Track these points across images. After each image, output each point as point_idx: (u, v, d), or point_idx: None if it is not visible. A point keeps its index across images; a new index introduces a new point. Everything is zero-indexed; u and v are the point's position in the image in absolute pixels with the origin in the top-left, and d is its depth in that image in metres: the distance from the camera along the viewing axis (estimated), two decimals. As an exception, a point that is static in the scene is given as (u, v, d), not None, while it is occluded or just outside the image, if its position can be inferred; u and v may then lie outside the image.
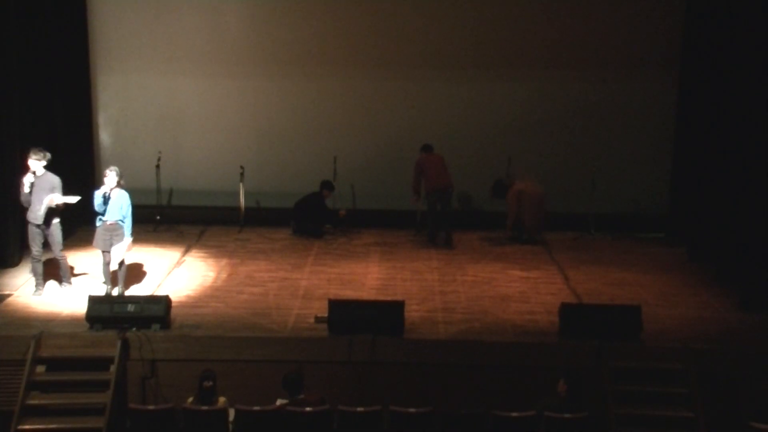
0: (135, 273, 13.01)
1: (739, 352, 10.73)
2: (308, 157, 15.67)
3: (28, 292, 12.20)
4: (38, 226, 11.87)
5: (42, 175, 11.81)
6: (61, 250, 12.14)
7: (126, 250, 11.91)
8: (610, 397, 10.24)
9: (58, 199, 11.78)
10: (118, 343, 10.51)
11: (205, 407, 9.77)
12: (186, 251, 14.19)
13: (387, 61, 15.69)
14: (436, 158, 14.59)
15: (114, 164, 15.68)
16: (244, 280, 12.89)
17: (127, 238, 11.88)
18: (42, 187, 11.77)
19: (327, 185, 15.13)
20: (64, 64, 14.81)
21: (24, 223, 13.38)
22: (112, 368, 10.40)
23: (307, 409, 9.65)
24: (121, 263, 11.96)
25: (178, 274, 13.15)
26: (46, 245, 12.05)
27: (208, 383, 9.86)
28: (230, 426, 9.77)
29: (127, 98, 15.77)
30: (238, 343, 10.79)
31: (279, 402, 9.87)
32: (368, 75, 15.75)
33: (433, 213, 14.64)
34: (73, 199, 11.98)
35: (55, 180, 11.88)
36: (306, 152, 15.71)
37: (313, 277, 13.04)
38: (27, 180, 11.82)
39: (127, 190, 11.97)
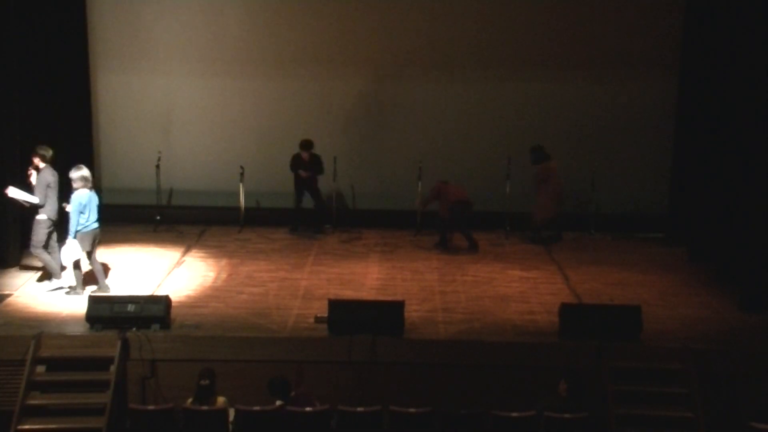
0: (135, 273, 13.02)
1: (739, 352, 10.73)
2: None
3: (28, 292, 12.20)
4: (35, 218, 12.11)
5: (42, 169, 12.00)
6: (35, 247, 12.12)
7: (71, 253, 11.80)
8: (610, 397, 10.24)
9: (13, 192, 11.87)
10: (118, 343, 10.51)
11: (205, 407, 9.77)
12: (186, 251, 14.19)
13: (387, 60, 15.70)
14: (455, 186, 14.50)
15: (114, 164, 15.83)
16: (244, 280, 12.89)
17: (69, 240, 11.79)
18: (39, 182, 11.97)
19: (302, 145, 14.92)
20: (64, 64, 14.80)
21: (24, 222, 13.45)
22: (112, 368, 10.39)
23: (307, 409, 9.65)
24: (77, 263, 11.92)
25: (178, 274, 13.14)
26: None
27: (205, 381, 9.84)
28: (230, 426, 9.77)
29: (127, 98, 15.76)
30: (238, 343, 10.78)
31: (279, 403, 9.88)
32: (368, 75, 15.76)
33: (454, 222, 14.42)
34: (28, 198, 12.02)
35: (47, 177, 12.01)
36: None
37: (313, 277, 13.04)
38: (32, 176, 12.09)
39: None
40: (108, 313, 10.82)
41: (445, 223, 14.46)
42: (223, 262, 13.71)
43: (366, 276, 13.19)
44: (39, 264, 12.66)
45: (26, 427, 10.07)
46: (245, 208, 15.45)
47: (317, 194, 15.23)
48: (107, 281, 12.22)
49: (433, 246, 14.57)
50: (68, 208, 11.75)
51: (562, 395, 9.91)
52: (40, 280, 12.52)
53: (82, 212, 11.71)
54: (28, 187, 12.18)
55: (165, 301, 11.02)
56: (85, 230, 11.80)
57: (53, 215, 12.15)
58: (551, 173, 14.74)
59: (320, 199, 15.26)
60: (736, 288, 12.43)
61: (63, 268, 12.18)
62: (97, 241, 12.11)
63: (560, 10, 15.50)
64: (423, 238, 15.07)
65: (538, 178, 14.83)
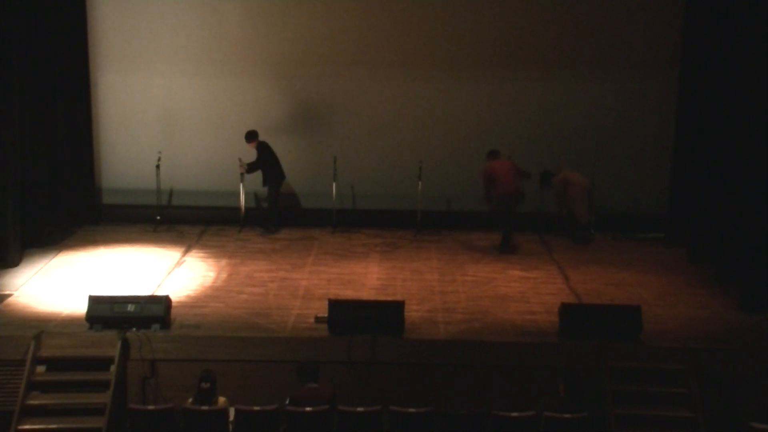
0: (135, 273, 13.02)
1: (739, 352, 10.73)
2: (308, 157, 15.66)
3: (28, 292, 12.20)
4: None
5: None
6: None
7: None
8: (610, 397, 10.24)
9: None
10: (118, 343, 10.51)
11: (205, 407, 9.77)
12: (186, 251, 14.19)
13: (387, 60, 15.67)
14: (505, 163, 14.30)
15: (114, 164, 15.83)
16: (244, 280, 12.89)
17: None
18: None
19: (246, 136, 14.99)
20: (64, 64, 14.80)
21: (24, 223, 13.48)
22: (112, 368, 10.40)
23: (307, 409, 9.65)
24: None
25: (178, 274, 13.14)
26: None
27: (206, 384, 9.84)
28: (230, 426, 9.77)
29: (126, 98, 15.75)
30: (238, 343, 10.78)
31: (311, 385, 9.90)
32: (368, 74, 15.73)
33: (508, 218, 14.35)
34: None
35: None
36: (306, 152, 15.69)
37: (313, 277, 13.04)
38: None
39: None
40: (108, 313, 10.81)
41: (504, 217, 14.30)
42: (223, 262, 13.71)
43: (366, 276, 13.19)
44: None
45: (26, 427, 10.07)
46: (245, 208, 15.45)
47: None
48: None
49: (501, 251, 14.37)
50: None
51: (561, 396, 9.91)
52: None
53: None
54: None
55: (165, 301, 11.02)
56: None
57: None
58: (565, 183, 14.70)
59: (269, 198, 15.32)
60: (736, 288, 12.43)
61: None
62: None
63: (560, 10, 15.49)
64: (423, 238, 15.08)
65: (557, 196, 14.84)
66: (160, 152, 15.35)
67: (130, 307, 10.82)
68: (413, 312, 11.49)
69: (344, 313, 10.91)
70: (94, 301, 10.95)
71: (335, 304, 11.00)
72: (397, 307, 11.01)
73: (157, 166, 15.21)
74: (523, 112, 15.71)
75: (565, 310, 11.05)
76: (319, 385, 9.87)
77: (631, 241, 15.18)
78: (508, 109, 15.73)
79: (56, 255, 13.71)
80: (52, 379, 10.54)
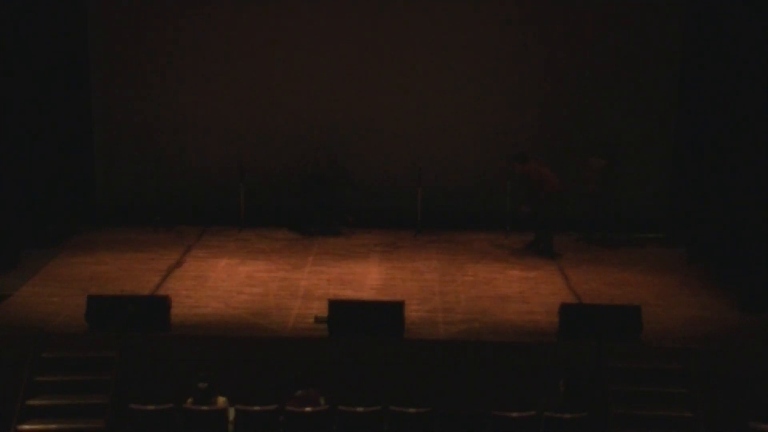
0: (135, 273, 13.01)
1: (739, 352, 10.74)
2: (308, 158, 15.63)
3: (28, 292, 12.20)
4: None
5: None
6: None
7: None
8: (610, 397, 10.24)
9: None
10: (118, 343, 10.51)
11: (205, 407, 9.77)
12: (186, 251, 14.18)
13: (387, 60, 15.69)
14: (545, 166, 14.22)
15: (114, 164, 15.82)
16: (244, 280, 12.89)
17: None
18: None
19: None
20: (65, 65, 14.79)
21: (23, 223, 13.48)
22: (112, 368, 10.40)
23: (307, 409, 9.66)
24: None
25: (178, 274, 13.13)
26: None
27: (203, 385, 9.83)
28: (230, 426, 9.77)
29: (127, 98, 15.75)
30: (238, 343, 10.79)
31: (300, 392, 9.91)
32: (369, 75, 15.74)
33: (549, 221, 14.22)
34: None
35: None
36: (306, 152, 15.67)
37: (313, 277, 13.04)
38: None
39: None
40: (108, 313, 10.81)
41: (543, 221, 14.17)
42: (223, 262, 13.71)
43: (366, 276, 13.19)
44: None
45: (26, 427, 10.07)
46: (245, 208, 15.43)
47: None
48: None
49: (538, 254, 14.22)
50: None
51: (561, 396, 9.91)
52: None
53: None
54: None
55: (165, 301, 11.01)
56: None
57: None
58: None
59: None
60: (736, 288, 12.43)
61: None
62: None
63: (560, 11, 15.50)
64: (423, 238, 15.07)
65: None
66: (160, 153, 15.32)
67: (130, 307, 10.81)
68: (413, 312, 11.49)
69: (344, 313, 10.91)
70: (94, 302, 10.95)
71: (335, 304, 10.99)
72: (397, 307, 11.01)
73: (157, 166, 15.19)
74: (523, 112, 15.70)
75: (565, 310, 11.05)
76: (306, 391, 9.88)
77: (631, 241, 15.17)
78: (507, 109, 15.72)
79: (56, 255, 13.70)
80: (52, 380, 10.52)
